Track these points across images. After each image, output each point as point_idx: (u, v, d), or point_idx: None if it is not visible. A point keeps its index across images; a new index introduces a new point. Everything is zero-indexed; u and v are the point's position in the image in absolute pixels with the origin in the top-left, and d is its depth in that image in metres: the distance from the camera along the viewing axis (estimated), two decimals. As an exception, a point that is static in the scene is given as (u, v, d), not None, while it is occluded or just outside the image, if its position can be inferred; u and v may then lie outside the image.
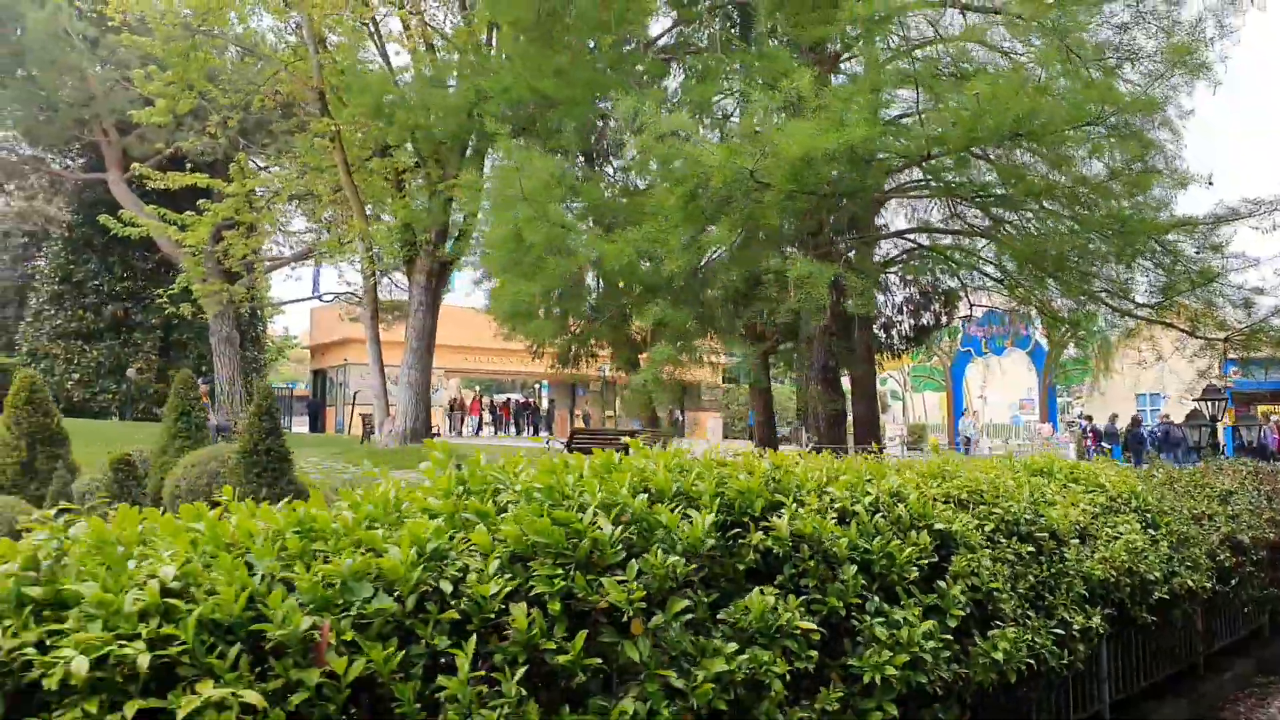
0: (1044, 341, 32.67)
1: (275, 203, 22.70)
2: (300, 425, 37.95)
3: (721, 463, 3.05)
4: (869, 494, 3.24)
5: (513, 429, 39.03)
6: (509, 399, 46.10)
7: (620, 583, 2.29)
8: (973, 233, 11.31)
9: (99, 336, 27.65)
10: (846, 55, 11.54)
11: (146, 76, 20.72)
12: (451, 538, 2.26)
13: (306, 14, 17.77)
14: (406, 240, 18.72)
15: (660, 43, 11.92)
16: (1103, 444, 24.26)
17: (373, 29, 17.83)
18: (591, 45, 11.54)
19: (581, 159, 13.11)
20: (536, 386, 51.25)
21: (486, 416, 42.60)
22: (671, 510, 2.58)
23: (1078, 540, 4.09)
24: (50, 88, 22.21)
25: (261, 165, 29.74)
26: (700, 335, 9.60)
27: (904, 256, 14.24)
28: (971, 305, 21.71)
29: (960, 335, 30.28)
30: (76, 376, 26.87)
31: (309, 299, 31.49)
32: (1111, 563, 4.08)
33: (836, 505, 3.07)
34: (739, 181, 7.92)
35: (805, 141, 7.47)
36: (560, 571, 2.24)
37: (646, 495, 2.59)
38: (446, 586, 2.09)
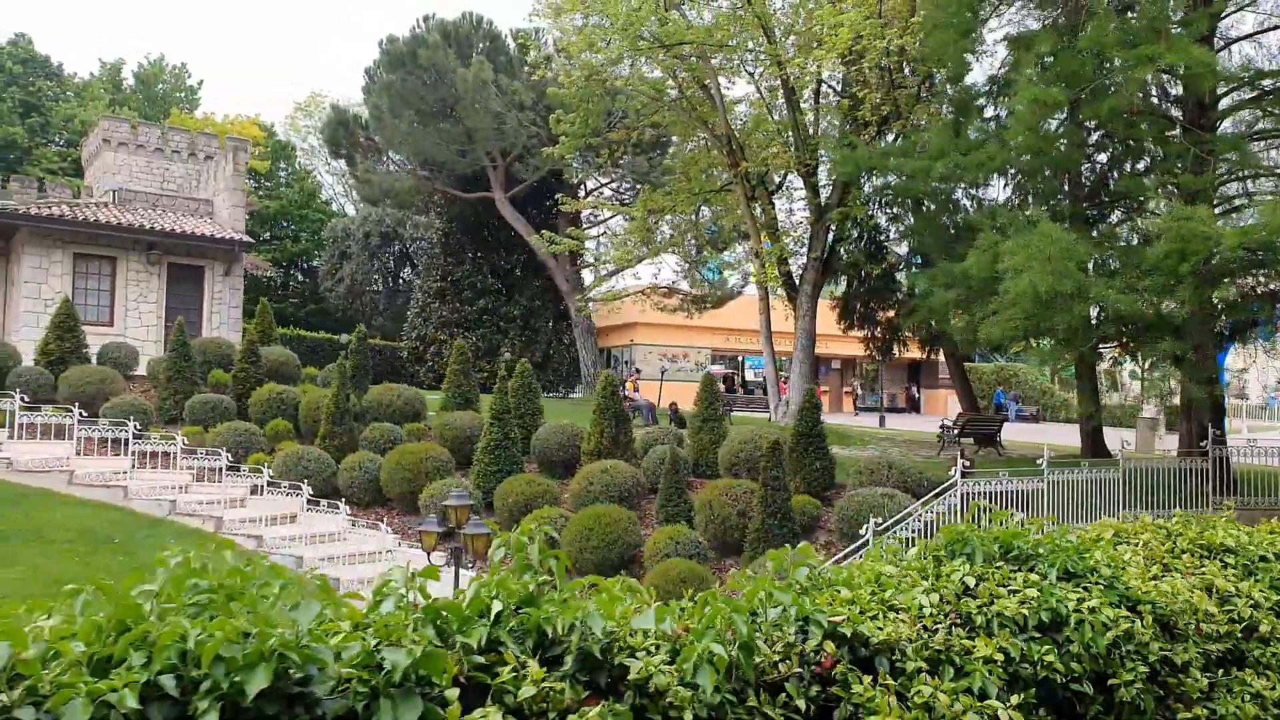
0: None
1: (659, 222, 27.09)
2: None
3: None
4: None
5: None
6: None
7: None
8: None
9: (474, 325, 33.50)
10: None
11: (557, 119, 25.59)
12: None
13: (714, 78, 22.02)
14: (782, 258, 22.73)
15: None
16: None
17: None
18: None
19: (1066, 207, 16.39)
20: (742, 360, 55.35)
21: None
22: None
23: None
24: (473, 127, 27.55)
25: (603, 181, 34.75)
26: (1194, 358, 12.75)
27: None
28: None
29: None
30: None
31: (632, 292, 35.99)
32: None
33: None
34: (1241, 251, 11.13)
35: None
36: None
37: None
38: None
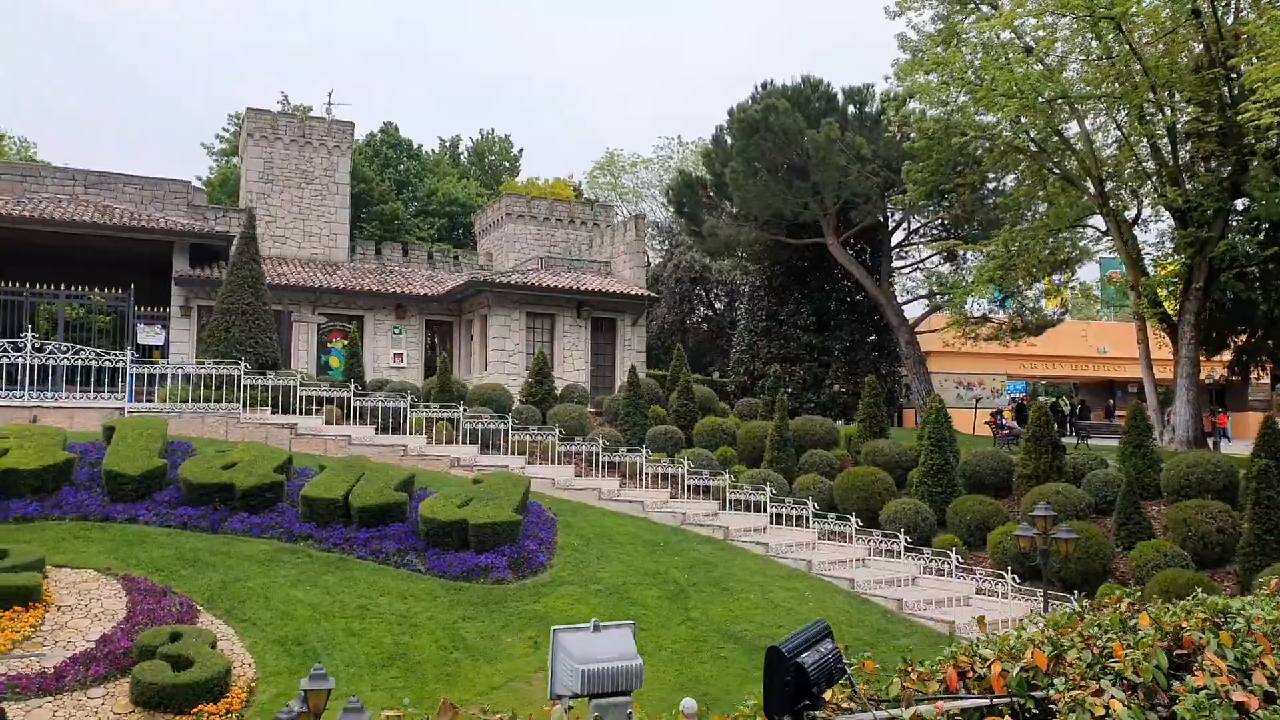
0: None
1: (1015, 261, 28.68)
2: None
3: None
4: None
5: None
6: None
7: None
8: None
9: (799, 359, 36.22)
10: None
11: (908, 169, 27.90)
12: None
13: (1081, 124, 23.61)
14: (1150, 290, 23.77)
15: None
16: None
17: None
18: None
19: None
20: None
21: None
22: None
23: None
24: (820, 181, 30.40)
25: (921, 220, 36.75)
26: None
27: None
28: None
29: None
30: (789, 390, 35.53)
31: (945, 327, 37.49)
32: None
33: None
34: None
35: None
36: None
37: None
38: None
